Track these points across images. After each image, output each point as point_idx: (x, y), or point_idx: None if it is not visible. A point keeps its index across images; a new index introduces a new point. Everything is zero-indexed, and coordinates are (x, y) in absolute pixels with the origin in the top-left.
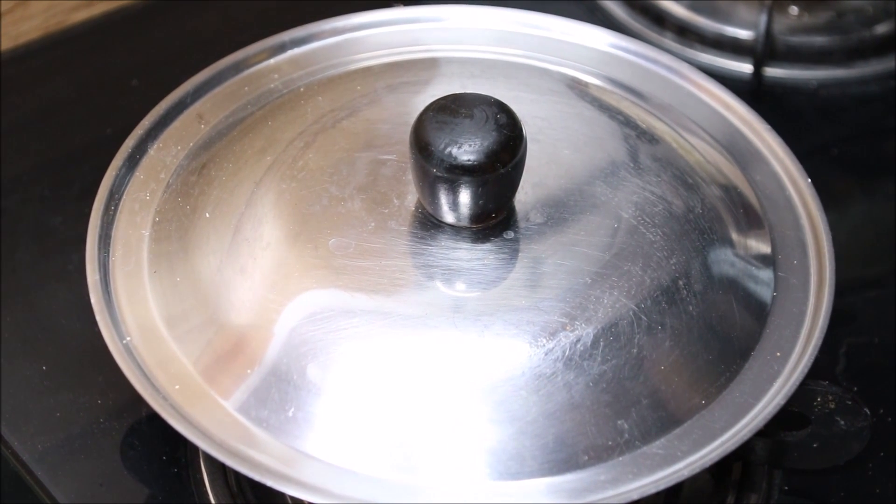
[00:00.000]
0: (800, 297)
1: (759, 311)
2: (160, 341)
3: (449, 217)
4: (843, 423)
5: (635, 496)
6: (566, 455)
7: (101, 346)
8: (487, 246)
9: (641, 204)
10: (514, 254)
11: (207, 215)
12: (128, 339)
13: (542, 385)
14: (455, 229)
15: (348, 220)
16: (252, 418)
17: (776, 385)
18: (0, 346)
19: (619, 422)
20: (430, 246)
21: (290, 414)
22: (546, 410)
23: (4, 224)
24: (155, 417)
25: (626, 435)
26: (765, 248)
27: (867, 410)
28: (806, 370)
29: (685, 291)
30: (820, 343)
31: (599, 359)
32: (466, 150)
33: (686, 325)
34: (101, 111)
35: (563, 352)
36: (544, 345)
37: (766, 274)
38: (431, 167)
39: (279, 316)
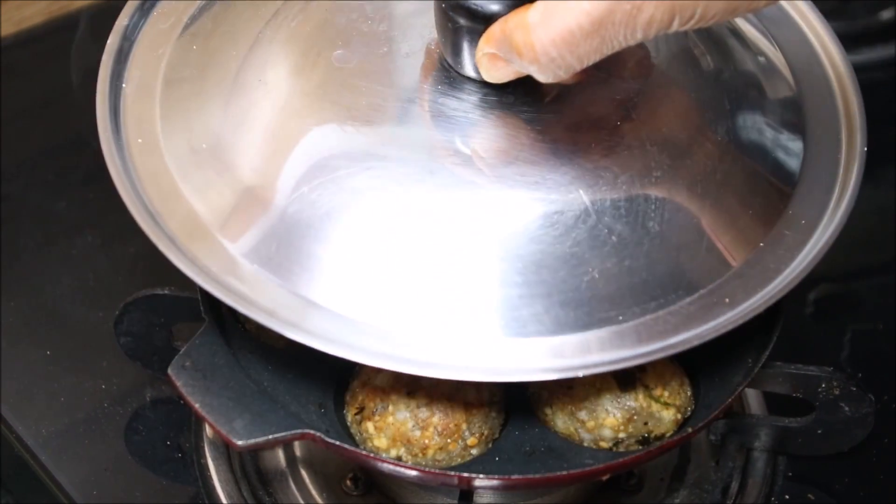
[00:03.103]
0: (830, 165)
1: (787, 180)
2: (167, 178)
3: (467, 68)
4: (847, 409)
5: (662, 354)
6: (582, 313)
7: (105, 331)
8: (501, 108)
9: (670, 61)
10: (531, 118)
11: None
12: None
13: (557, 241)
14: (475, 84)
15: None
16: (256, 262)
17: (805, 250)
18: (3, 331)
19: (636, 279)
20: (445, 96)
21: (294, 260)
22: (565, 268)
23: (7, 209)
24: (159, 402)
25: (650, 299)
26: (795, 118)
27: (871, 397)
28: (832, 240)
29: (720, 150)
30: (849, 212)
31: (622, 214)
32: None
33: (713, 189)
34: None
35: (579, 210)
36: (556, 200)
37: (796, 144)
38: (452, 13)
39: (286, 160)
